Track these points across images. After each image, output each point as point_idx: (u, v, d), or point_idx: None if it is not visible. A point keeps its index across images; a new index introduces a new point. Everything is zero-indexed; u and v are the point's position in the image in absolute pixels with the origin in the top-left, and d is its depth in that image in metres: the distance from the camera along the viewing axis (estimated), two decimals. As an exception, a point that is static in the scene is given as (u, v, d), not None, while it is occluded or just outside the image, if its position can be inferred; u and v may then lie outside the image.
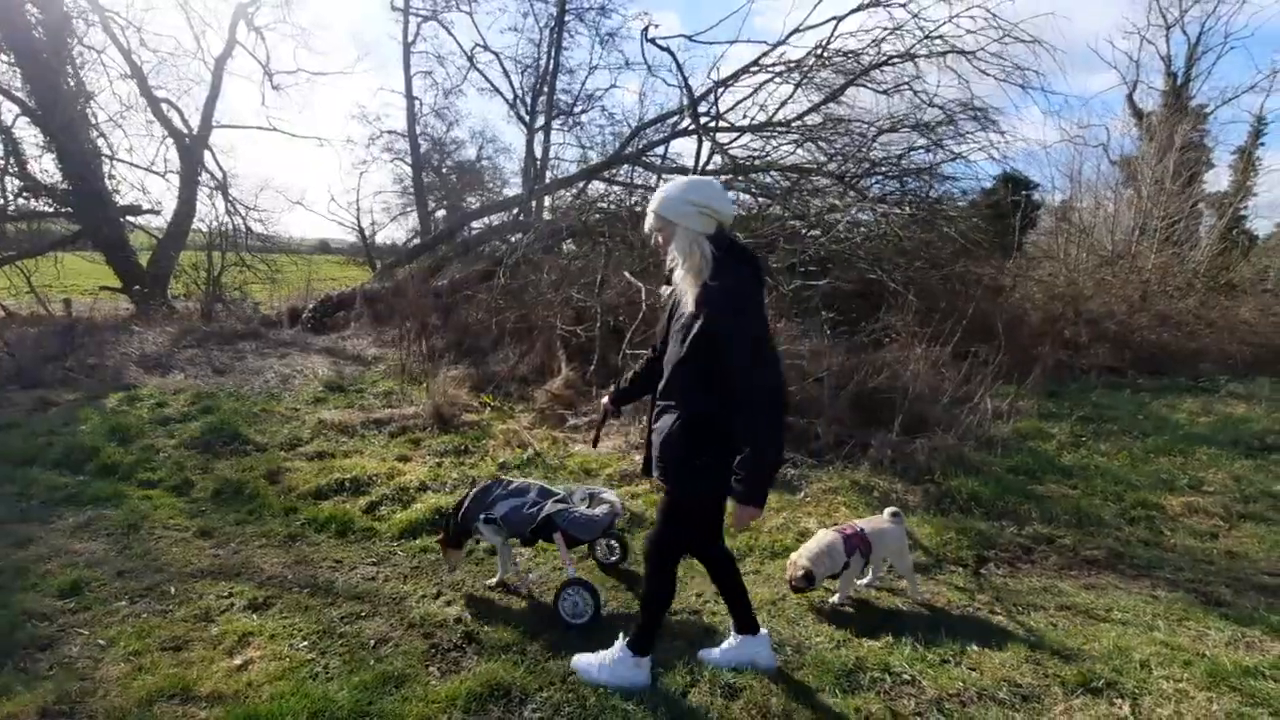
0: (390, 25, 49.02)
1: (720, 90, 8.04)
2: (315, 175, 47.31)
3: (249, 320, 12.38)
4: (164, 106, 14.31)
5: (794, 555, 3.05)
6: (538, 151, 19.85)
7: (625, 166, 10.95)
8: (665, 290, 2.38)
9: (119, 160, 13.80)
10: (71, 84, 12.50)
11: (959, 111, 8.55)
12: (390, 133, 20.66)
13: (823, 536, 3.09)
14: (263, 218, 16.22)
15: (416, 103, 19.23)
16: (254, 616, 2.91)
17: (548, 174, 18.10)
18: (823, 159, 8.81)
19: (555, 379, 7.00)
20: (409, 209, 21.28)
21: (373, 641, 2.75)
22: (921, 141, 8.35)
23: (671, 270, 2.24)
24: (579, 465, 4.94)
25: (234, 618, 2.89)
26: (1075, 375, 9.08)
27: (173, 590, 3.08)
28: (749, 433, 2.07)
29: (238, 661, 2.58)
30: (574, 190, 12.00)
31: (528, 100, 19.28)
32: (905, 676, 2.63)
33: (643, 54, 7.95)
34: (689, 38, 8.65)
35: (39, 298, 13.19)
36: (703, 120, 7.78)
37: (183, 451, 4.94)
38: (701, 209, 2.15)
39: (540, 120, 18.41)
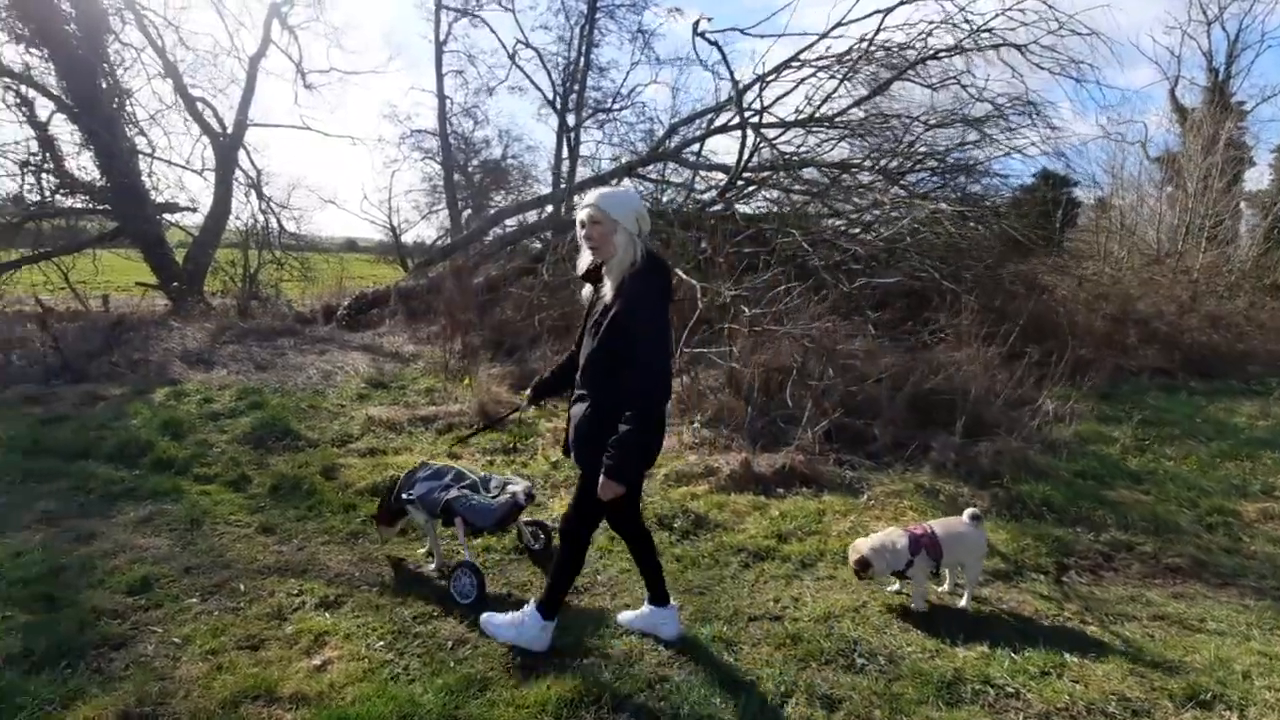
0: (421, 25, 49.65)
1: (763, 85, 7.90)
2: (347, 174, 47.65)
3: (283, 317, 12.50)
4: (199, 105, 14.47)
5: (858, 541, 3.06)
6: (567, 148, 19.86)
7: (658, 163, 10.87)
8: (586, 291, 2.57)
9: (157, 158, 13.99)
10: (109, 81, 12.66)
11: (1008, 106, 8.33)
12: (420, 131, 20.77)
13: (890, 530, 3.05)
14: (296, 216, 16.35)
15: (447, 101, 19.31)
16: (327, 615, 2.85)
17: (579, 172, 18.09)
18: (865, 154, 8.64)
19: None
20: (437, 207, 21.38)
21: (450, 643, 2.67)
22: (972, 136, 8.15)
23: (592, 267, 2.44)
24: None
25: (307, 616, 2.83)
26: (1126, 377, 8.82)
27: (242, 587, 3.03)
28: (625, 417, 2.27)
29: (316, 662, 2.52)
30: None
31: (560, 98, 19.25)
32: (1008, 689, 2.50)
33: (694, 48, 7.78)
34: (741, 31, 8.51)
35: (76, 294, 13.42)
36: (748, 115, 7.64)
37: (236, 446, 4.93)
38: (639, 216, 2.39)
39: (571, 118, 18.29)
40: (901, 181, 8.59)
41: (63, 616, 2.66)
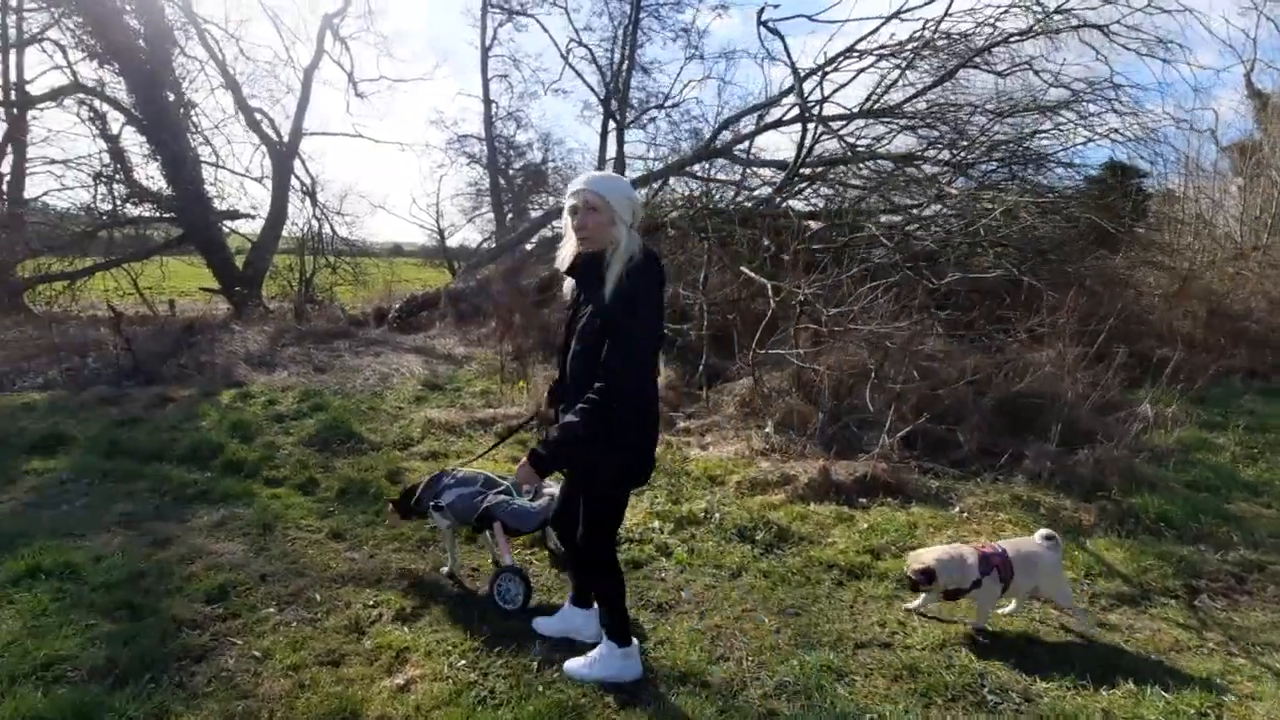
0: (467, 31, 50.64)
1: (824, 75, 7.59)
2: (395, 179, 48.71)
3: (336, 320, 12.71)
4: (257, 115, 14.88)
5: (921, 551, 2.80)
6: (611, 149, 19.79)
7: (706, 161, 10.64)
8: (568, 286, 2.38)
9: (221, 166, 14.45)
10: (175, 93, 13.10)
11: (1087, 91, 7.84)
12: (465, 136, 21.00)
13: (958, 545, 2.81)
14: (348, 221, 16.68)
15: (493, 106, 19.47)
16: (405, 629, 2.72)
17: (625, 172, 17.93)
18: (927, 145, 8.23)
19: (662, 377, 6.73)
20: (482, 211, 21.57)
21: (535, 663, 2.51)
22: (1045, 125, 7.70)
23: (578, 260, 2.24)
24: (701, 471, 4.63)
25: (385, 630, 2.71)
26: (1218, 379, 8.19)
27: (318, 597, 2.94)
28: (580, 409, 2.10)
29: (399, 681, 2.39)
30: (652, 187, 11.76)
31: (605, 98, 19.19)
32: (1166, 735, 2.21)
33: (759, 38, 7.48)
34: (809, 17, 8.10)
35: (145, 299, 13.93)
36: (809, 106, 7.35)
37: (302, 449, 4.90)
38: (635, 206, 2.20)
39: (617, 119, 18.15)
40: (970, 172, 8.17)
41: (144, 626, 2.60)
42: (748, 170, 10.20)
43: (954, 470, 4.74)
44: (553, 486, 3.18)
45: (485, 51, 19.25)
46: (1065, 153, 8.68)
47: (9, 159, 13.41)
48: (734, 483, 4.44)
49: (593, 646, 2.47)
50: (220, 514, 3.82)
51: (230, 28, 20.85)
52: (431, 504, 3.16)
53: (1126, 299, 7.91)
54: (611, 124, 19.02)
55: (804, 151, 7.53)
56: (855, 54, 8.04)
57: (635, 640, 2.45)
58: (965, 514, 4.05)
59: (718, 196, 8.34)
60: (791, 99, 8.09)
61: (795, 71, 7.35)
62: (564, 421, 2.14)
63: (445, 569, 3.24)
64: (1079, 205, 7.50)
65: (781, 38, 7.84)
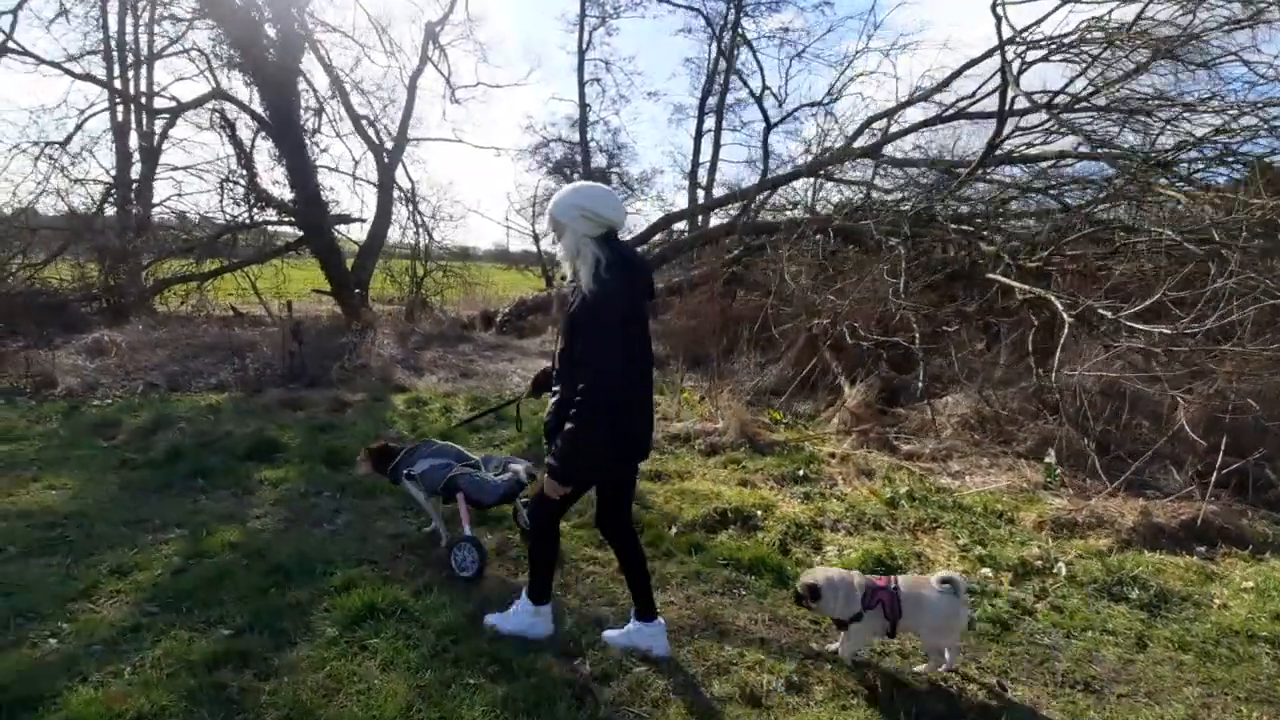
0: (559, 36, 51.37)
1: (1025, 66, 6.96)
2: (486, 184, 49.09)
3: (439, 323, 12.65)
4: (364, 122, 15.04)
5: (816, 568, 2.64)
6: (705, 153, 19.39)
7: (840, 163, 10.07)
8: (567, 286, 2.54)
9: (337, 171, 14.67)
10: (298, 101, 13.30)
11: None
12: (555, 141, 20.93)
13: (853, 573, 2.56)
14: (454, 225, 16.73)
15: (588, 110, 19.33)
16: (808, 702, 2.29)
17: (715, 176, 17.53)
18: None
19: (852, 395, 6.22)
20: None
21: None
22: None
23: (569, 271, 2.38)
24: (981, 506, 4.09)
25: (787, 702, 2.28)
26: None
27: (691, 655, 2.53)
28: (576, 416, 2.21)
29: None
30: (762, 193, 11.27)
31: (700, 102, 18.82)
32: None
33: (998, 32, 6.90)
34: None
35: (262, 301, 14.19)
36: (1013, 97, 6.73)
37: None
38: (586, 213, 2.30)
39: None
40: (1173, 171, 7.37)
41: (530, 689, 2.22)
42: (902, 171, 9.59)
43: (1269, 511, 4.08)
44: (519, 464, 3.45)
45: (582, 54, 19.15)
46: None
47: (137, 165, 13.89)
48: (1030, 522, 3.89)
49: (663, 659, 2.51)
50: (493, 539, 3.49)
51: (337, 37, 21.27)
52: (405, 473, 3.36)
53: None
54: (706, 124, 18.61)
55: (992, 150, 6.92)
56: (1046, 43, 7.36)
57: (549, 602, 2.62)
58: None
59: (900, 198, 7.76)
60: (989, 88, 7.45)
61: (1003, 56, 6.69)
62: (564, 432, 2.24)
63: (429, 528, 3.48)
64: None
65: (1008, 21, 7.06)
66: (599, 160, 20.69)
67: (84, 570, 2.95)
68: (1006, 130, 7.01)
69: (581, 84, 19.24)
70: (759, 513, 3.95)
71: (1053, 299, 4.45)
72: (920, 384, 5.47)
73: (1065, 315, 4.28)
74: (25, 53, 9.14)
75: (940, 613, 2.40)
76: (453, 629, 2.54)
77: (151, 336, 9.14)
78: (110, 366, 7.57)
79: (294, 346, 6.91)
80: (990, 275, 5.29)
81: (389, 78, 24.10)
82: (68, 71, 9.96)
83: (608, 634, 2.62)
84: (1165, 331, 3.84)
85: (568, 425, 2.22)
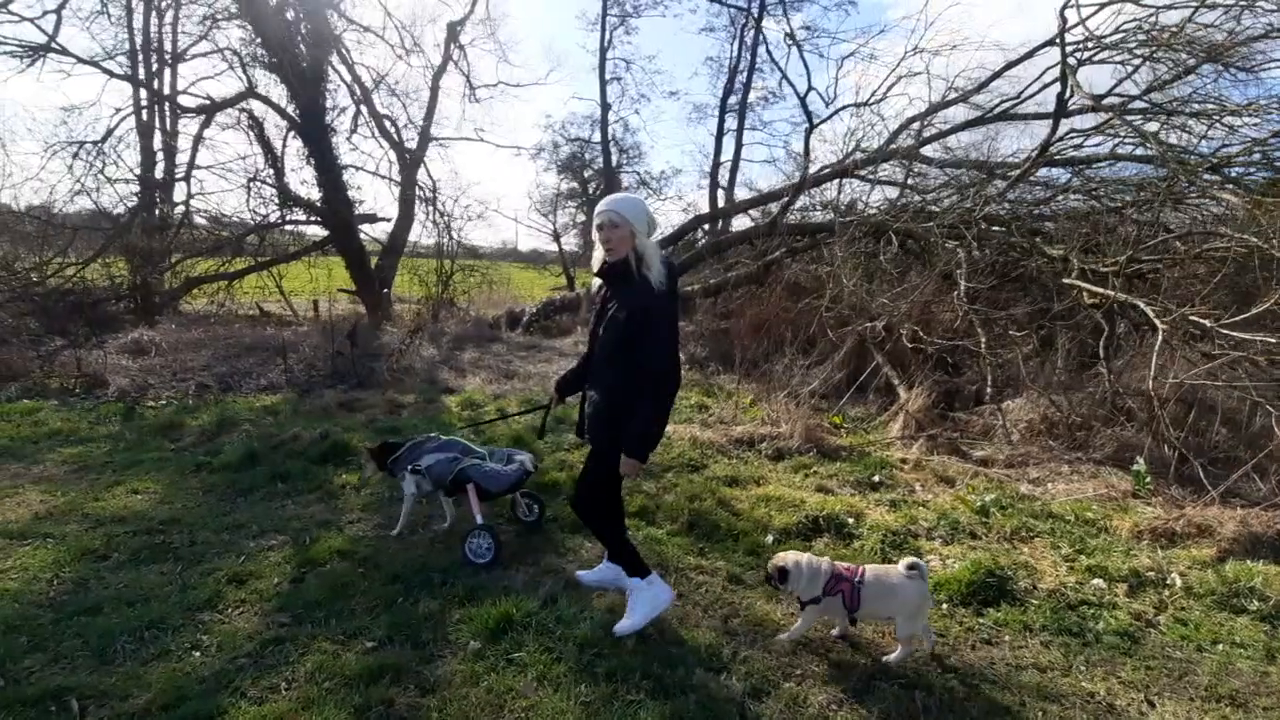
0: (580, 35, 51.33)
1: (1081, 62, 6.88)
2: (502, 184, 49.10)
3: (464, 322, 12.61)
4: (386, 123, 15.00)
5: (788, 552, 2.73)
6: (727, 152, 19.33)
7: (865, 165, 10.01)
8: (595, 284, 2.72)
9: (363, 170, 14.63)
10: (327, 101, 13.26)
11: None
12: (575, 140, 20.89)
13: (824, 560, 2.66)
14: (480, 223, 16.69)
15: (608, 110, 19.27)
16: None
17: (737, 176, 17.46)
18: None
19: (911, 399, 6.18)
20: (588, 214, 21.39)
21: None
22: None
23: (605, 267, 2.54)
24: (1072, 514, 4.05)
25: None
26: None
27: (834, 669, 2.50)
28: (652, 402, 2.44)
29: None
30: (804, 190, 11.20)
31: (721, 101, 18.75)
32: None
33: (1060, 34, 6.86)
34: None
35: (286, 300, 14.17)
36: (1070, 97, 6.67)
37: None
38: (649, 220, 2.55)
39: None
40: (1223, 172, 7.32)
41: (686, 706, 2.19)
42: (944, 171, 9.52)
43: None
44: (522, 455, 3.56)
45: (603, 52, 19.09)
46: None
47: (162, 163, 13.86)
48: (1125, 531, 3.85)
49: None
50: (598, 549, 3.45)
51: (361, 35, 21.20)
52: (410, 468, 3.40)
53: None
54: (728, 124, 18.54)
55: (1044, 150, 6.85)
56: (1106, 45, 7.29)
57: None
58: None
59: (957, 199, 7.70)
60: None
61: (1063, 48, 6.57)
62: (642, 416, 2.43)
63: (394, 532, 3.47)
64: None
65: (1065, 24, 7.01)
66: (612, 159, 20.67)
67: (199, 578, 2.92)
68: (1057, 131, 6.95)
69: (603, 82, 19.19)
70: (850, 520, 3.92)
71: (1143, 305, 4.40)
72: (990, 389, 5.42)
73: (1159, 323, 4.23)
74: (65, 52, 9.09)
75: (910, 597, 2.49)
76: (593, 641, 2.51)
77: (189, 336, 9.12)
78: (156, 367, 7.55)
79: (344, 348, 6.87)
80: (1067, 280, 5.23)
81: (411, 77, 23.99)
82: (106, 71, 9.92)
83: (581, 574, 3.06)
84: (1269, 341, 3.80)
85: (644, 409, 2.41)
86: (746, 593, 3.09)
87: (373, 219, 14.61)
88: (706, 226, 13.88)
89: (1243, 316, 3.94)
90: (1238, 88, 7.82)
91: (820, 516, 3.91)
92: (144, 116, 13.46)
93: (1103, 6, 7.05)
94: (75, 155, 10.32)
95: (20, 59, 8.61)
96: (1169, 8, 7.19)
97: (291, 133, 12.69)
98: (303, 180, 13.39)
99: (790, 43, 16.31)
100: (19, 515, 3.61)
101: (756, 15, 17.88)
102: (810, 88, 17.53)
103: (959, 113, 9.60)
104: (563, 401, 3.13)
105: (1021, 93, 8.75)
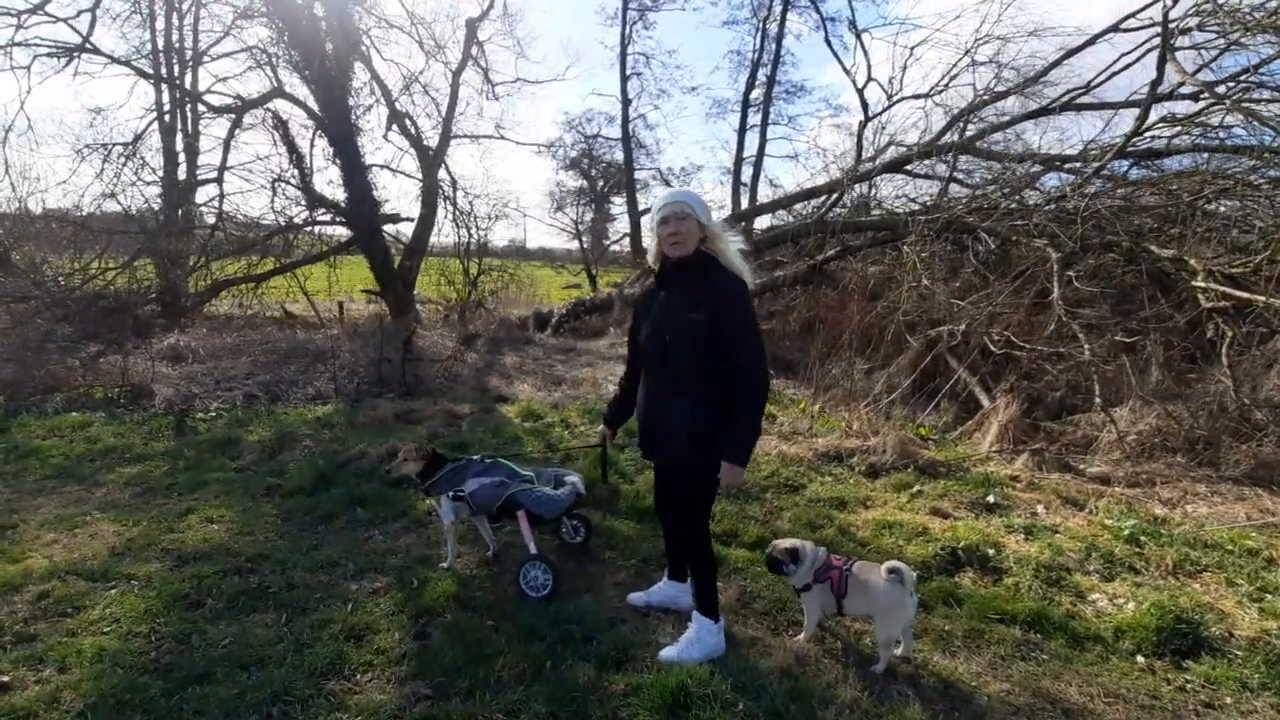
0: (598, 31, 51.00)
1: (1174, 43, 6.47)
2: (525, 182, 48.65)
3: (490, 324, 12.29)
4: (406, 121, 14.66)
5: (786, 539, 2.78)
6: (750, 147, 18.95)
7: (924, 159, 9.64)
8: (644, 286, 2.28)
9: (387, 168, 14.29)
10: (351, 99, 12.92)
11: None
12: (594, 137, 20.54)
13: (821, 549, 2.71)
14: (492, 224, 16.35)
15: (629, 106, 18.90)
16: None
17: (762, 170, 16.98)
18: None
19: (1002, 409, 5.83)
20: (617, 211, 21.07)
21: None
22: None
23: (671, 263, 2.41)
24: (1231, 542, 3.70)
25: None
26: None
27: None
28: (750, 405, 2.30)
29: None
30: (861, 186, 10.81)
31: (744, 94, 18.35)
32: None
33: (1165, 17, 6.46)
34: None
35: (310, 302, 13.88)
36: (1161, 88, 6.28)
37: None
38: (710, 214, 2.44)
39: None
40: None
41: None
42: (1026, 164, 9.12)
43: None
44: (572, 475, 3.30)
45: (624, 48, 18.72)
46: None
47: (183, 166, 13.55)
48: (1264, 557, 3.51)
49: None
50: (731, 589, 3.13)
51: (381, 33, 20.83)
52: (452, 493, 3.13)
53: None
54: (750, 120, 18.13)
55: (1130, 140, 6.48)
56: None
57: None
58: None
59: (1047, 196, 7.30)
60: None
61: (1166, 29, 6.14)
62: (739, 422, 2.29)
63: (445, 564, 3.24)
64: None
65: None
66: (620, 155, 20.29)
67: (310, 634, 2.60)
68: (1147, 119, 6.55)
69: (624, 77, 18.83)
70: (990, 551, 3.58)
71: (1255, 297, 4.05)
72: (1098, 399, 5.07)
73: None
74: (98, 51, 8.78)
75: (885, 599, 2.46)
76: (777, 712, 2.18)
77: (223, 342, 8.83)
78: (198, 374, 7.26)
79: (393, 355, 6.55)
80: (1198, 284, 4.87)
81: (429, 75, 23.59)
82: (139, 71, 9.61)
83: (634, 597, 2.89)
84: None
85: (746, 411, 2.27)
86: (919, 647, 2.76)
87: (396, 219, 14.30)
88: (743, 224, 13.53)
89: None
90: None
91: (958, 549, 3.57)
92: (166, 119, 13.18)
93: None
94: (105, 159, 10.01)
95: (57, 58, 8.31)
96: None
97: (318, 132, 12.38)
98: (329, 180, 13.00)
99: (853, 32, 15.83)
100: (95, 551, 3.30)
101: (781, 7, 17.50)
102: (870, 78, 17.05)
103: (1013, 104, 9.23)
104: (615, 436, 2.95)
105: (1090, 81, 8.38)
